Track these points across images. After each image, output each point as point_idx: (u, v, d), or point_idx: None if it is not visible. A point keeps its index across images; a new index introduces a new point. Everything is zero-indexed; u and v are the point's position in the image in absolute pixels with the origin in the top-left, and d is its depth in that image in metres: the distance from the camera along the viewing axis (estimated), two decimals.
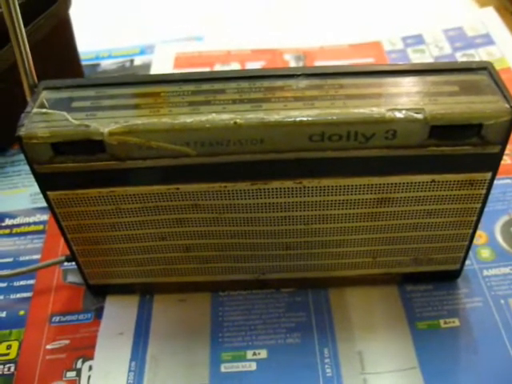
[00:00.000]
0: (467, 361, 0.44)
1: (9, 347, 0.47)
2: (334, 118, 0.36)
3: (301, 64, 0.73)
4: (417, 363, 0.44)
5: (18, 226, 0.57)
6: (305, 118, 0.36)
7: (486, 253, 0.51)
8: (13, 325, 0.48)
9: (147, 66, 0.76)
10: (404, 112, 0.36)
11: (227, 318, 0.47)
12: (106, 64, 0.78)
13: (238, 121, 0.36)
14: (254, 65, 0.74)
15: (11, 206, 0.59)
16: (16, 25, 0.38)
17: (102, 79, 0.41)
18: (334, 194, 0.40)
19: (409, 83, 0.39)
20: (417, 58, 0.74)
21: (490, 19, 0.78)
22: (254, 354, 0.45)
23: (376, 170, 0.39)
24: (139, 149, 0.37)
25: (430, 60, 0.73)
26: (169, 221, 0.42)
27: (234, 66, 0.74)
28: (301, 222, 0.42)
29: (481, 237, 0.52)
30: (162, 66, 0.75)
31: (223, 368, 0.44)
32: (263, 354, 0.45)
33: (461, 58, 0.73)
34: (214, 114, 0.36)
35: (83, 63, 0.73)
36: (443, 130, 0.37)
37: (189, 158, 0.38)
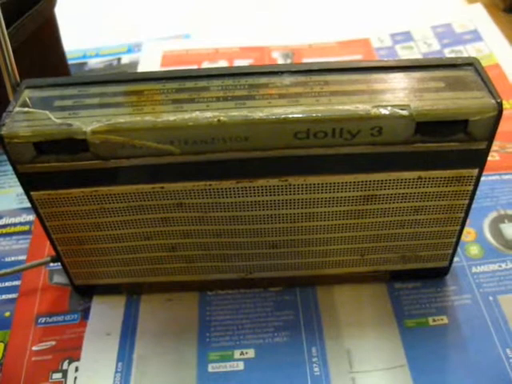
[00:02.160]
0: (456, 358, 0.44)
1: None
2: (319, 114, 0.36)
3: (289, 61, 0.73)
4: (405, 361, 0.44)
5: (4, 226, 0.56)
6: (289, 115, 0.36)
7: (474, 250, 0.51)
8: None
9: (134, 64, 0.76)
10: (389, 108, 0.36)
11: (215, 318, 0.47)
12: (93, 63, 0.77)
13: (221, 118, 0.36)
14: (242, 62, 0.73)
15: None
16: None
17: (85, 78, 0.40)
18: (320, 192, 0.40)
19: (394, 79, 0.38)
20: (405, 54, 0.74)
21: (478, 16, 0.78)
22: (242, 353, 0.45)
23: (362, 167, 0.39)
24: (122, 147, 0.37)
25: (418, 57, 0.73)
26: (154, 220, 0.42)
27: (222, 64, 0.74)
28: (287, 220, 0.42)
29: (469, 233, 0.52)
30: (149, 64, 0.75)
31: (211, 368, 0.44)
32: (251, 353, 0.45)
33: (449, 54, 0.73)
34: (197, 112, 0.36)
35: (70, 62, 0.72)
36: (429, 127, 0.36)
37: (173, 156, 0.37)
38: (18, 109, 0.38)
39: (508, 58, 0.70)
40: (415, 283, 0.48)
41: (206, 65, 0.74)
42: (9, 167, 0.62)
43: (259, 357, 0.45)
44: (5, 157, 0.64)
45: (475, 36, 0.75)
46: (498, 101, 0.36)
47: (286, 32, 0.78)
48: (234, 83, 0.38)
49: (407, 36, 0.77)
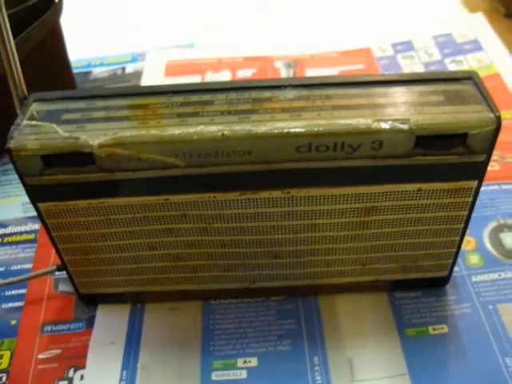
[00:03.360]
0: (456, 367, 0.44)
1: (0, 357, 0.47)
2: (321, 129, 0.37)
3: (291, 71, 0.74)
4: (406, 370, 0.44)
5: (10, 235, 0.57)
6: (292, 130, 0.36)
7: (474, 259, 0.51)
8: (4, 334, 0.49)
9: (139, 73, 0.77)
10: (390, 123, 0.37)
11: (218, 326, 0.48)
12: (98, 72, 0.78)
13: (225, 133, 0.36)
14: (245, 72, 0.74)
15: (3, 215, 0.59)
16: (5, 37, 0.38)
17: (92, 91, 0.41)
18: (322, 204, 0.41)
19: (395, 93, 0.39)
20: (406, 64, 0.74)
21: (478, 25, 0.79)
22: (245, 361, 0.45)
23: (363, 180, 0.39)
24: (128, 160, 0.37)
25: (419, 66, 0.74)
26: (158, 231, 0.42)
27: (225, 74, 0.74)
28: (289, 231, 0.42)
29: (469, 243, 0.52)
30: (153, 73, 0.76)
31: (214, 376, 0.45)
32: (254, 361, 0.45)
33: (450, 64, 0.73)
34: (202, 126, 0.37)
35: (75, 71, 0.73)
36: (429, 140, 0.37)
37: (178, 169, 0.38)
38: (25, 122, 0.39)
39: (508, 68, 0.71)
40: (416, 292, 0.49)
41: (209, 74, 0.74)
42: (14, 176, 0.63)
43: (262, 365, 0.45)
44: (10, 166, 0.65)
45: (476, 46, 0.75)
46: (497, 115, 0.37)
47: (289, 42, 0.79)
48: (237, 97, 0.39)
49: (408, 45, 0.77)
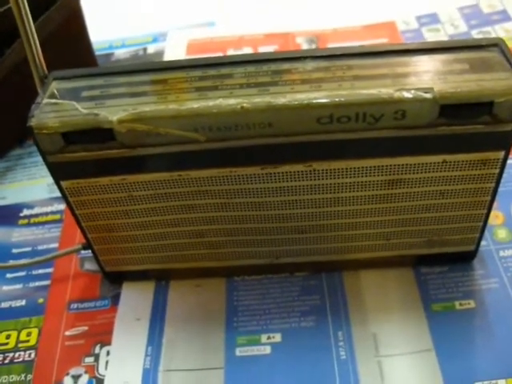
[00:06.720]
0: (483, 342, 0.44)
1: (29, 334, 0.48)
2: (342, 99, 0.36)
3: (313, 47, 0.73)
4: (432, 345, 0.44)
5: (36, 215, 0.58)
6: (312, 101, 0.36)
7: (502, 233, 0.50)
8: (32, 312, 0.49)
9: (160, 53, 0.76)
10: (413, 92, 0.36)
11: (242, 303, 0.48)
12: (120, 53, 0.78)
13: (244, 105, 0.36)
14: (267, 49, 0.73)
15: (29, 196, 0.60)
16: (24, 17, 0.38)
17: (111, 68, 0.41)
18: (345, 177, 0.40)
19: (417, 62, 0.38)
20: (432, 37, 0.73)
21: None
22: (269, 337, 0.45)
23: (386, 151, 0.39)
24: (148, 136, 0.37)
25: (445, 39, 0.72)
26: (180, 207, 0.42)
27: (247, 51, 0.74)
28: (312, 205, 0.42)
29: (497, 217, 0.51)
30: (174, 53, 0.75)
31: (238, 352, 0.45)
32: (277, 337, 0.45)
33: (477, 35, 0.71)
34: (221, 99, 0.36)
35: (97, 53, 0.73)
36: (453, 109, 0.36)
37: (198, 143, 0.38)
38: (46, 100, 0.39)
39: None
40: (442, 267, 0.48)
41: (230, 52, 0.74)
42: (39, 158, 0.63)
43: (286, 341, 0.45)
44: (35, 148, 0.65)
45: (504, 16, 0.73)
46: None
47: (310, 17, 0.78)
48: (256, 70, 0.39)
49: (433, 18, 0.76)
